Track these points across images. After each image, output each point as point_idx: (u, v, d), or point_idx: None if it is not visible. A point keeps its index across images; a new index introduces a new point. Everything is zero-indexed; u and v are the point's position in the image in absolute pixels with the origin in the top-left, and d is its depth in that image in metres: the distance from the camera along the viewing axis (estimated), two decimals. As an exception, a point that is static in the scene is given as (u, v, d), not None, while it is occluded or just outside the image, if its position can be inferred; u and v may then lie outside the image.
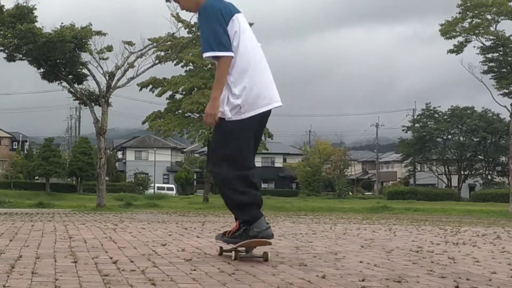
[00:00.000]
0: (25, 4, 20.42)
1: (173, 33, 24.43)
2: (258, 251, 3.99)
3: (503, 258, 4.47)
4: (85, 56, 21.70)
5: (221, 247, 4.15)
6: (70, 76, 21.90)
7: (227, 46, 3.83)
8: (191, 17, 26.36)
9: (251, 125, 3.96)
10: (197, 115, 37.21)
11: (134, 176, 67.05)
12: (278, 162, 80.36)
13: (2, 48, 20.78)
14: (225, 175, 3.94)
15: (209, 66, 35.06)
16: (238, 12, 3.99)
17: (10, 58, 21.28)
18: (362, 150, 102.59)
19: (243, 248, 3.93)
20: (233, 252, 3.88)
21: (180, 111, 38.03)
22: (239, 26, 3.91)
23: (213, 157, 4.10)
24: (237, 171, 3.91)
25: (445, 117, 62.80)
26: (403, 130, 65.98)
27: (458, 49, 26.93)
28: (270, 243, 3.89)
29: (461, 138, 62.81)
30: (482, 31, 26.03)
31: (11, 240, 5.01)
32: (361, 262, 3.90)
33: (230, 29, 3.87)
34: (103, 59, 21.74)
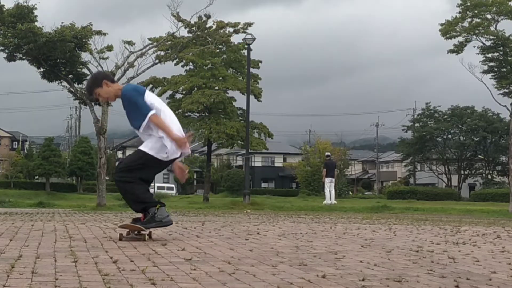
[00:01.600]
0: (25, 3, 20.42)
1: (173, 33, 24.42)
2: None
3: (503, 257, 4.47)
4: (85, 56, 21.71)
5: (121, 234, 5.39)
6: (70, 76, 21.89)
7: (148, 108, 5.19)
8: (191, 17, 26.37)
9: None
10: (197, 115, 37.25)
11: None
12: (278, 162, 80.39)
13: (2, 48, 20.77)
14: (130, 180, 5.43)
15: (209, 65, 35.09)
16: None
17: (10, 58, 21.27)
18: (362, 150, 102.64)
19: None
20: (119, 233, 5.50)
21: (180, 110, 38.01)
22: (151, 97, 5.34)
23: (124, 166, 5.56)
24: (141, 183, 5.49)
25: (445, 116, 62.81)
26: (403, 129, 66.03)
27: (458, 49, 26.90)
28: (142, 229, 5.23)
29: (461, 138, 62.81)
30: (482, 30, 26.00)
31: (11, 240, 5.01)
32: (361, 261, 3.90)
33: (147, 99, 5.25)
34: (103, 58, 21.73)
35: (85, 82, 22.35)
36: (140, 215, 5.46)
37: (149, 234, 5.34)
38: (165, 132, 5.21)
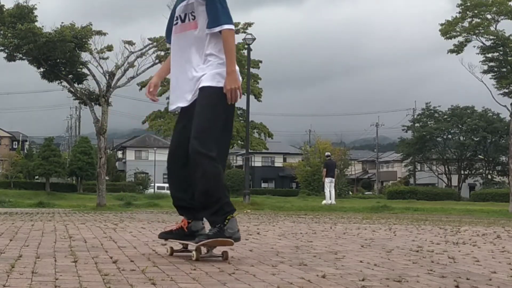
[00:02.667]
0: (25, 3, 20.43)
1: (173, 33, 24.40)
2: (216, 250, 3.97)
3: (503, 257, 4.47)
4: (85, 56, 21.71)
5: (171, 247, 4.09)
6: (70, 76, 21.89)
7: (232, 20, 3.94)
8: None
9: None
10: (197, 115, 37.20)
11: (134, 175, 67.08)
12: (278, 162, 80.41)
13: (2, 48, 20.79)
14: (219, 162, 3.81)
15: (209, 65, 35.14)
16: None
17: (10, 58, 21.28)
18: (362, 150, 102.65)
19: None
20: (194, 252, 3.76)
21: (180, 110, 37.99)
22: None
23: (207, 137, 3.80)
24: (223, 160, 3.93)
25: (445, 116, 62.83)
26: (403, 129, 66.06)
27: (458, 49, 26.91)
28: (232, 243, 3.78)
29: (461, 138, 62.83)
30: (482, 30, 26.01)
31: (11, 240, 5.01)
32: (361, 261, 3.90)
33: None
34: (103, 58, 21.73)
35: (85, 82, 22.40)
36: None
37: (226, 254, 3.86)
38: (230, 58, 3.88)
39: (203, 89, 3.88)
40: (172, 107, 4.10)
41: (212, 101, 3.84)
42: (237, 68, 3.93)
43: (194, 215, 3.98)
